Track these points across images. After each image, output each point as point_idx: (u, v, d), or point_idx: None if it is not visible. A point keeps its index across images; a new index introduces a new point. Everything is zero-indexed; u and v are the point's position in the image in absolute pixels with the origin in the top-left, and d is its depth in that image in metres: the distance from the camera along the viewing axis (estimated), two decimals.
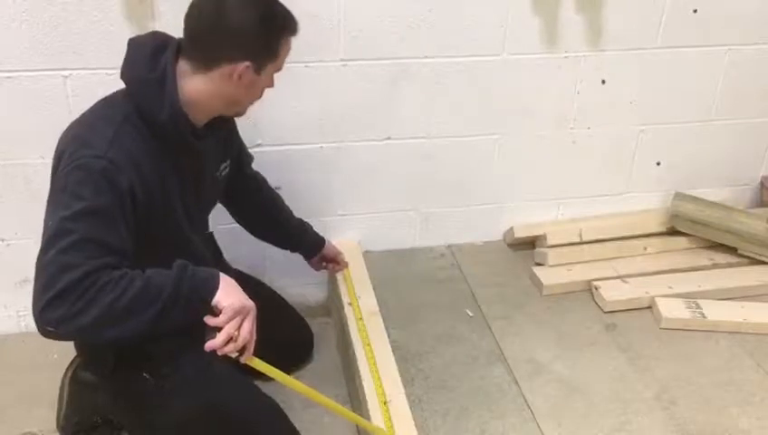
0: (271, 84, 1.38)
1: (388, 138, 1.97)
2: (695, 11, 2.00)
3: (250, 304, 1.27)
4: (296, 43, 1.74)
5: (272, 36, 1.30)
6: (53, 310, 1.14)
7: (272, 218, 1.79)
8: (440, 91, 1.94)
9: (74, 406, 1.62)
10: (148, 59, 1.28)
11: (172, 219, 1.37)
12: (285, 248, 1.85)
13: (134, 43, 1.32)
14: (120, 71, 1.31)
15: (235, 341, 1.23)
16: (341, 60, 1.83)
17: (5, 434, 1.64)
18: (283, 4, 1.33)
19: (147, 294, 1.18)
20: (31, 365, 1.82)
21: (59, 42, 1.64)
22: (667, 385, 1.71)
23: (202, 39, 1.28)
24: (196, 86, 1.29)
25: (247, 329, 1.25)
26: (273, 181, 1.84)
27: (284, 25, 1.31)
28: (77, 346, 1.55)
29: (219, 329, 1.22)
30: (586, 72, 2.02)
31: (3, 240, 1.83)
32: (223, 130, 1.46)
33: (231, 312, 1.23)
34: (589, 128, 2.11)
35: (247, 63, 1.27)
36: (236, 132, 1.62)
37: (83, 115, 1.34)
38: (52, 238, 1.18)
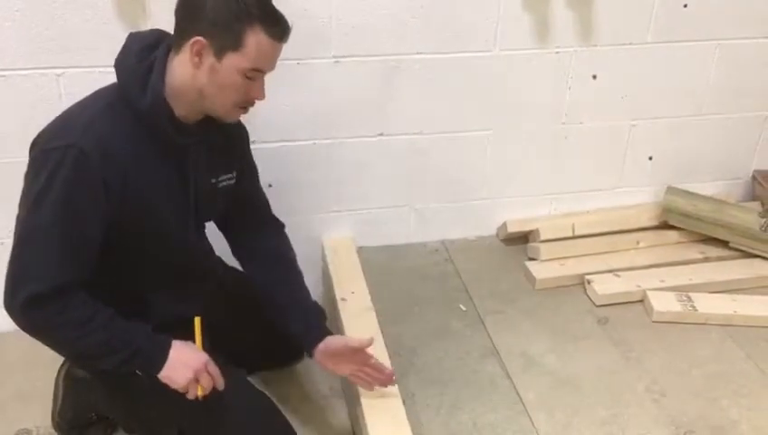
0: (249, 89, 1.30)
1: (381, 134, 1.98)
2: (685, 6, 2.01)
3: (197, 364, 1.33)
4: (289, 39, 1.77)
5: (234, 20, 1.23)
6: (23, 313, 1.24)
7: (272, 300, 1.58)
8: (433, 88, 1.95)
9: (69, 403, 1.62)
10: (141, 50, 1.29)
11: (157, 213, 1.36)
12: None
13: (132, 36, 1.33)
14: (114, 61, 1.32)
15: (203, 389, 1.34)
16: (334, 56, 1.84)
17: (1, 431, 1.65)
18: (282, 15, 1.30)
19: (105, 348, 1.28)
20: (26, 363, 1.83)
21: (51, 40, 1.64)
22: (659, 377, 1.73)
23: (176, 16, 1.29)
24: (174, 72, 1.28)
25: (206, 383, 1.35)
26: (266, 178, 1.84)
27: (254, 14, 1.24)
28: None
29: None
30: (577, 67, 2.03)
31: None
32: (220, 136, 1.42)
33: (179, 386, 1.33)
34: (581, 123, 2.12)
35: (200, 38, 1.23)
36: (246, 149, 1.58)
37: (75, 104, 1.35)
38: (23, 233, 1.25)
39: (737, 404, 1.65)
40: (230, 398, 1.46)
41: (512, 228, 2.17)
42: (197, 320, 1.40)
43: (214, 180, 1.47)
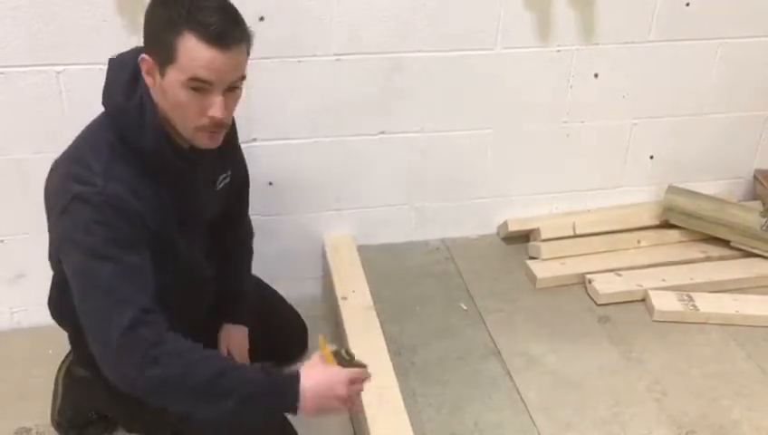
0: (204, 105, 1.18)
1: (383, 132, 1.98)
2: (687, 4, 2.00)
3: (338, 382, 1.22)
4: (290, 37, 1.77)
5: (164, 30, 1.14)
6: (119, 354, 1.16)
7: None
8: (434, 86, 1.94)
9: (69, 401, 1.62)
10: (127, 83, 1.23)
11: (169, 240, 1.33)
12: None
13: (114, 64, 1.27)
14: (101, 94, 1.28)
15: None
16: (335, 54, 1.83)
17: (1, 429, 1.64)
18: (228, 10, 1.19)
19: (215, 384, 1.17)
20: (25, 361, 1.83)
21: (51, 37, 1.63)
22: (660, 377, 1.73)
23: None
24: (155, 98, 1.23)
25: (355, 397, 1.27)
26: (266, 176, 1.84)
27: (179, 20, 1.13)
28: (71, 341, 1.55)
29: None
30: (579, 65, 2.02)
31: None
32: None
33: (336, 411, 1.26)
34: (582, 122, 2.11)
35: (146, 56, 1.18)
36: (236, 145, 1.55)
37: (68, 150, 1.30)
38: (88, 282, 1.19)
39: (738, 404, 1.65)
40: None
41: (513, 227, 2.17)
42: (323, 342, 1.30)
43: (216, 186, 1.46)
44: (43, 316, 1.89)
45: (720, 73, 2.14)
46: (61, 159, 1.29)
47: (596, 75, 2.05)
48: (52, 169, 1.30)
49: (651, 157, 2.23)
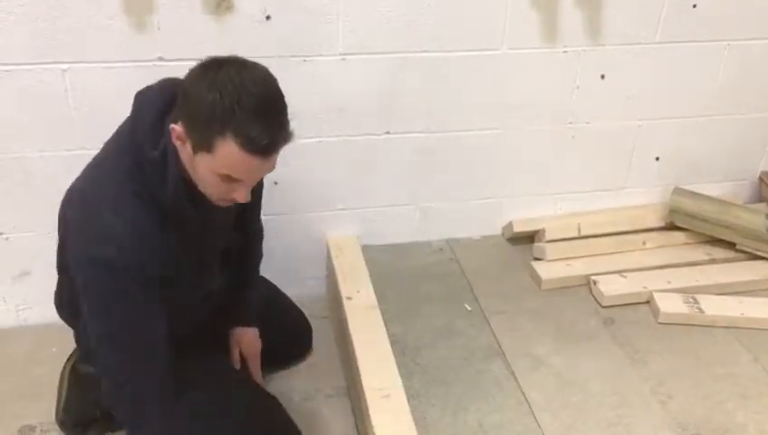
0: (229, 190, 1.20)
1: (387, 132, 1.97)
2: (694, 6, 2.00)
3: None
4: (296, 37, 1.77)
5: (209, 121, 1.11)
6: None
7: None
8: (439, 86, 1.94)
9: (74, 398, 1.62)
10: (151, 128, 1.22)
11: (180, 277, 1.33)
12: None
13: (140, 103, 1.26)
14: (124, 128, 1.27)
15: None
16: (341, 54, 1.83)
17: (5, 428, 1.64)
18: (275, 117, 1.18)
19: None
20: (29, 359, 1.83)
21: (57, 35, 1.63)
22: (665, 379, 1.72)
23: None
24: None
25: None
26: (271, 176, 1.83)
27: (228, 122, 1.10)
28: (77, 339, 1.56)
29: None
30: (585, 66, 2.02)
31: (1, 234, 1.83)
32: None
33: None
34: (588, 123, 2.11)
35: (178, 127, 1.16)
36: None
37: (90, 186, 1.28)
38: (98, 340, 1.28)
39: (744, 407, 1.65)
40: (234, 395, 1.46)
41: (517, 228, 2.17)
42: None
43: (226, 215, 1.44)
44: (48, 314, 1.91)
45: (726, 75, 2.13)
46: (83, 194, 1.28)
47: (602, 76, 2.04)
48: (72, 198, 1.30)
49: (657, 158, 2.23)
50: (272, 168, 1.21)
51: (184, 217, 1.27)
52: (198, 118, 1.13)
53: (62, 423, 1.63)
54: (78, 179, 1.34)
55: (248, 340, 1.61)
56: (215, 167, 1.15)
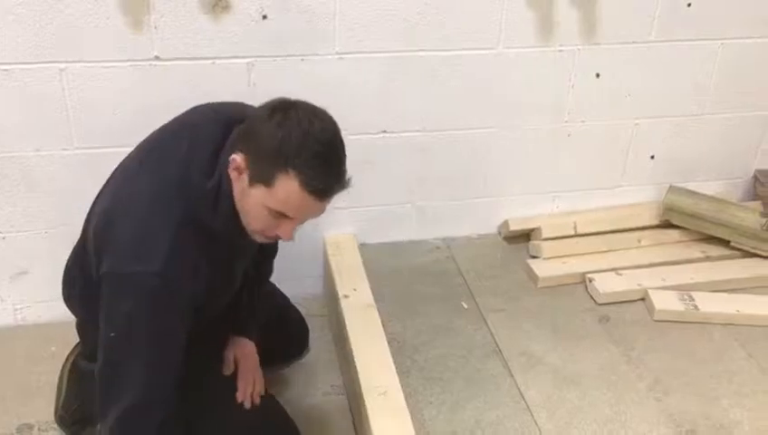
0: (275, 226, 1.22)
1: (384, 131, 1.98)
2: (689, 5, 2.01)
3: None
4: (293, 36, 1.78)
5: (275, 157, 1.15)
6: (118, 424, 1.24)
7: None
8: (436, 85, 1.95)
9: (74, 394, 1.62)
10: (208, 161, 1.23)
11: (211, 303, 1.35)
12: None
13: (200, 131, 1.26)
14: (169, 144, 1.27)
15: None
16: (337, 53, 1.83)
17: (3, 426, 1.65)
18: (337, 165, 1.21)
19: None
20: (27, 358, 1.83)
21: (54, 34, 1.63)
22: (660, 376, 1.73)
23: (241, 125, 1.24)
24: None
25: None
26: None
27: (294, 162, 1.14)
28: (78, 331, 1.55)
29: None
30: (581, 65, 2.03)
31: None
32: None
33: None
34: (583, 121, 2.12)
35: (239, 157, 1.18)
36: None
37: (130, 205, 1.24)
38: (115, 355, 1.24)
39: (739, 404, 1.66)
40: (234, 393, 1.46)
41: (514, 226, 2.18)
42: None
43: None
44: (46, 313, 1.92)
45: (721, 74, 2.14)
46: (121, 212, 1.25)
47: (597, 75, 2.05)
48: (112, 208, 1.26)
49: (652, 157, 2.24)
50: (321, 212, 1.24)
51: (227, 246, 1.28)
52: (265, 152, 1.16)
53: (60, 419, 1.63)
54: (113, 190, 1.32)
55: (248, 352, 1.56)
56: (269, 201, 1.18)
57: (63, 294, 1.51)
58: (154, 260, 1.18)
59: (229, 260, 1.35)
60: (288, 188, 1.15)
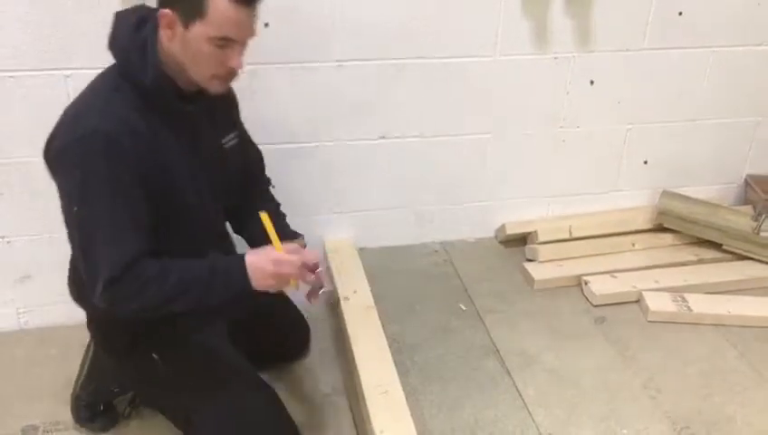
0: (224, 58, 1.28)
1: (383, 136, 2.02)
2: (680, 14, 2.06)
3: (268, 266, 1.31)
4: (293, 44, 1.81)
5: None
6: (104, 296, 1.26)
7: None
8: (434, 91, 1.99)
9: (95, 372, 1.64)
10: (132, 30, 1.30)
11: (179, 185, 1.37)
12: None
13: (119, 16, 1.34)
14: (107, 44, 1.34)
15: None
16: (337, 60, 1.87)
17: (8, 427, 1.66)
18: None
19: (186, 284, 1.29)
20: (31, 361, 1.85)
21: (60, 42, 1.67)
22: (655, 375, 1.76)
23: None
24: (161, 46, 1.30)
25: (288, 272, 1.33)
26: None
27: None
28: (90, 328, 1.57)
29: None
30: (575, 72, 2.07)
31: (3, 237, 1.85)
32: (217, 100, 1.42)
33: (270, 288, 1.33)
34: (578, 127, 2.16)
35: (167, 11, 1.25)
36: (237, 112, 1.60)
37: (78, 95, 1.36)
38: (80, 228, 1.27)
39: (731, 401, 1.69)
40: (237, 392, 1.48)
41: (510, 230, 2.21)
42: (264, 215, 1.38)
43: (222, 142, 1.50)
44: (49, 317, 1.94)
45: (712, 81, 2.19)
46: (66, 108, 1.33)
47: (592, 82, 2.10)
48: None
49: (645, 162, 2.28)
50: (255, 27, 1.30)
51: (166, 107, 1.32)
52: None
53: (76, 399, 1.65)
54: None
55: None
56: (210, 30, 1.24)
57: (72, 294, 1.54)
58: (91, 120, 1.25)
59: (185, 136, 1.37)
60: (220, 6, 1.22)
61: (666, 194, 2.24)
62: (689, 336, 1.91)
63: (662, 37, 2.08)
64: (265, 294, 1.36)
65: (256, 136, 1.89)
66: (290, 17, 1.78)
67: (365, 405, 1.52)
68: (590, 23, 2.01)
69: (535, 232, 2.17)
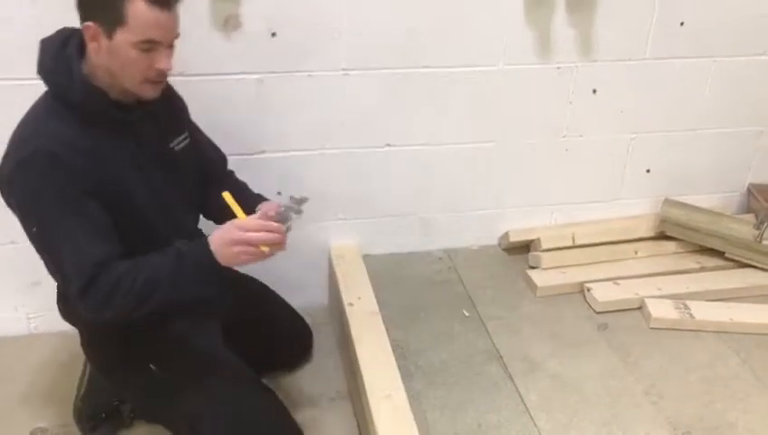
0: (151, 61, 1.31)
1: (388, 145, 2.04)
2: (682, 24, 2.08)
3: (231, 236, 1.33)
4: (300, 52, 1.84)
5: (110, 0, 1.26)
6: (83, 305, 1.30)
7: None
8: (438, 100, 2.01)
9: (93, 389, 1.66)
10: (56, 51, 1.33)
11: (131, 193, 1.39)
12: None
13: (44, 42, 1.37)
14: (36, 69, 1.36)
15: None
16: (343, 69, 1.90)
17: (18, 430, 1.69)
18: None
19: (158, 273, 1.33)
20: (41, 365, 1.88)
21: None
22: (657, 381, 1.77)
23: (77, 9, 1.32)
24: (90, 60, 1.33)
25: (257, 240, 1.34)
26: (274, 186, 1.89)
27: None
28: (84, 348, 1.59)
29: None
30: (578, 82, 2.09)
31: (14, 242, 1.87)
32: (160, 106, 1.45)
33: (239, 263, 1.35)
34: (581, 136, 2.18)
35: (90, 23, 1.27)
36: (188, 116, 1.61)
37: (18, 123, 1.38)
38: (43, 245, 1.33)
39: (733, 407, 1.70)
40: (239, 397, 1.50)
41: (514, 238, 2.23)
42: (227, 195, 1.40)
43: (170, 145, 1.51)
44: (59, 322, 1.95)
45: (713, 90, 2.21)
46: (10, 136, 1.36)
47: (594, 91, 2.12)
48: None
49: (648, 171, 2.30)
50: (178, 27, 1.34)
51: (102, 119, 1.34)
52: (102, 1, 1.26)
53: (78, 411, 1.67)
54: None
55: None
56: (133, 35, 1.27)
57: (62, 313, 1.57)
58: (28, 143, 1.29)
59: (127, 144, 1.39)
60: (137, 10, 1.25)
61: (668, 202, 2.26)
62: (691, 343, 1.92)
63: (664, 47, 2.10)
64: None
65: (262, 144, 1.93)
66: (296, 27, 1.81)
67: (368, 409, 1.54)
68: (592, 33, 2.03)
69: (538, 239, 2.19)
